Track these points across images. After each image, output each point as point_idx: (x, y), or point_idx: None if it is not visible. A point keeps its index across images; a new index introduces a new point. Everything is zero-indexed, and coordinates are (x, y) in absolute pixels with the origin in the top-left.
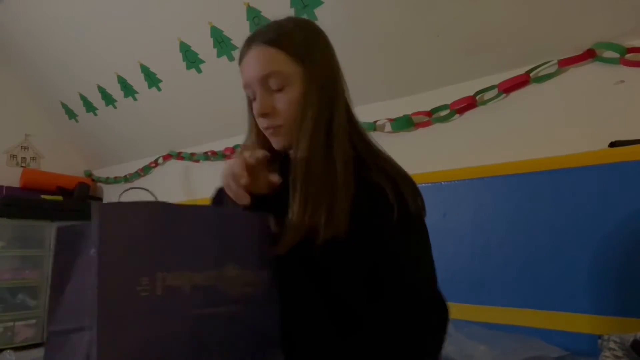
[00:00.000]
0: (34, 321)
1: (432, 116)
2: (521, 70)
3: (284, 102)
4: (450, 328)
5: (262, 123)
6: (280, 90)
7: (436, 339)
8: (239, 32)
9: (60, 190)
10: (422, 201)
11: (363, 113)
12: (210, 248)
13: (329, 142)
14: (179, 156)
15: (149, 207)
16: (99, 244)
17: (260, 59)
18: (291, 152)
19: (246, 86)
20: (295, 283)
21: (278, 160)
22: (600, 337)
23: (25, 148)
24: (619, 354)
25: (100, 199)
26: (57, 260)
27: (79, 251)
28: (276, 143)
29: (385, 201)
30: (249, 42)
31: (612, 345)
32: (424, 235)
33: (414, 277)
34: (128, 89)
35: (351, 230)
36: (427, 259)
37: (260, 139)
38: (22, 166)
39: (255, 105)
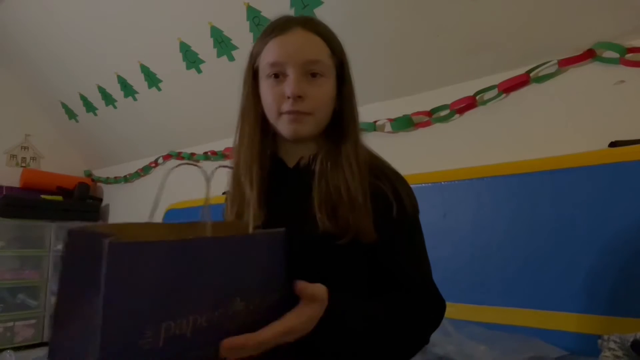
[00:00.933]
0: (34, 321)
1: (432, 116)
2: (521, 70)
3: (319, 91)
4: (450, 328)
5: (286, 106)
6: (317, 78)
7: (431, 332)
8: (239, 32)
9: (60, 190)
10: (416, 200)
11: (363, 113)
12: (220, 285)
13: (359, 143)
14: (179, 156)
15: (166, 248)
16: (105, 292)
17: (307, 43)
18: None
19: (276, 64)
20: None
21: (266, 165)
22: (600, 337)
23: (25, 148)
24: (619, 354)
25: (100, 199)
26: (67, 273)
27: (91, 272)
28: (296, 130)
29: (386, 200)
30: (290, 22)
31: (612, 345)
32: (421, 233)
33: (417, 273)
34: (128, 89)
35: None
36: (425, 255)
37: (259, 126)
38: (22, 166)
39: (286, 85)
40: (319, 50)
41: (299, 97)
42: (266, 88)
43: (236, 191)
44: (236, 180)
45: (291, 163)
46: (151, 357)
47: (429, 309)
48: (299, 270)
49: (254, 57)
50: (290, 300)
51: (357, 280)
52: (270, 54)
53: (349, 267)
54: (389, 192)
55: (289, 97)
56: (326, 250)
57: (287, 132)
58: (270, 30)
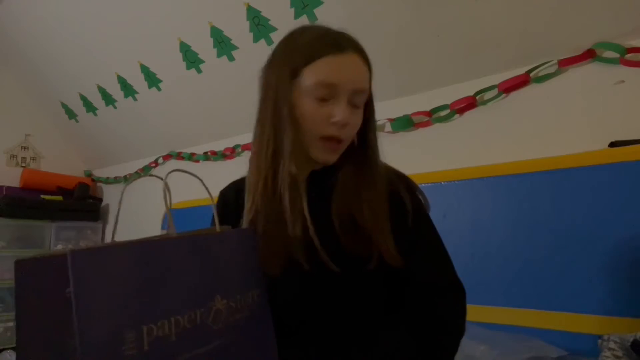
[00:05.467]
0: None
1: (432, 116)
2: (521, 70)
3: (358, 120)
4: None
5: (329, 131)
6: (359, 108)
7: (463, 323)
8: (239, 32)
9: (60, 190)
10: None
11: None
12: (196, 284)
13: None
14: (179, 156)
15: (130, 250)
16: (76, 300)
17: (362, 72)
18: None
19: (329, 85)
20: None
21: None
22: (600, 337)
23: (25, 148)
24: (619, 354)
25: (100, 199)
26: (24, 305)
27: (53, 294)
28: (331, 156)
29: (404, 206)
30: (347, 42)
31: (612, 345)
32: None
33: (445, 272)
34: (128, 89)
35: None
36: (446, 250)
37: (297, 147)
38: (22, 166)
39: (334, 110)
40: (367, 82)
41: (348, 124)
42: (310, 106)
43: (255, 201)
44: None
45: (304, 175)
46: None
47: (458, 304)
48: (320, 294)
49: (295, 64)
50: (267, 295)
51: (377, 298)
52: (323, 72)
53: (373, 289)
54: (407, 198)
55: (335, 122)
56: (354, 273)
57: (321, 157)
58: (323, 43)
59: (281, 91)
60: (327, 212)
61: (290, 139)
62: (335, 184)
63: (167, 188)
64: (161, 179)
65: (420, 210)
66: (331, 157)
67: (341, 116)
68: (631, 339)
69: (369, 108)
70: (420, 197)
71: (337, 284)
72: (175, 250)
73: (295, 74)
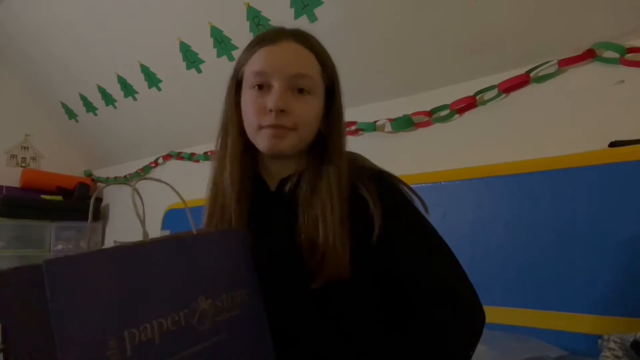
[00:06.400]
0: None
1: (432, 116)
2: (521, 70)
3: (305, 107)
4: None
5: (268, 119)
6: (304, 94)
7: (471, 349)
8: (239, 32)
9: (60, 190)
10: (409, 196)
11: (363, 113)
12: (178, 286)
13: (342, 168)
14: (179, 156)
15: (106, 256)
16: (53, 309)
17: (298, 56)
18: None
19: (261, 73)
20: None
21: (248, 186)
22: (600, 337)
23: (25, 148)
24: (619, 354)
25: (100, 199)
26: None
27: (28, 305)
28: (276, 145)
29: (368, 211)
30: (282, 33)
31: (612, 345)
32: (428, 228)
33: (436, 278)
34: (128, 89)
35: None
36: (443, 252)
37: (241, 142)
38: (22, 166)
39: (269, 98)
40: (309, 65)
41: (282, 111)
42: (248, 99)
43: (214, 208)
44: (215, 197)
45: (273, 184)
46: None
47: (461, 323)
48: (303, 312)
49: (239, 67)
50: (259, 294)
51: (368, 312)
52: (256, 63)
53: (353, 304)
54: (371, 200)
55: (271, 111)
56: (318, 292)
57: (265, 146)
58: (260, 39)
59: (229, 95)
60: (289, 229)
61: (229, 144)
62: (297, 194)
63: (137, 194)
64: (130, 185)
65: (393, 211)
66: (278, 145)
67: (273, 103)
68: (631, 339)
69: (334, 105)
70: (397, 194)
71: (304, 300)
72: (154, 254)
73: (237, 75)
